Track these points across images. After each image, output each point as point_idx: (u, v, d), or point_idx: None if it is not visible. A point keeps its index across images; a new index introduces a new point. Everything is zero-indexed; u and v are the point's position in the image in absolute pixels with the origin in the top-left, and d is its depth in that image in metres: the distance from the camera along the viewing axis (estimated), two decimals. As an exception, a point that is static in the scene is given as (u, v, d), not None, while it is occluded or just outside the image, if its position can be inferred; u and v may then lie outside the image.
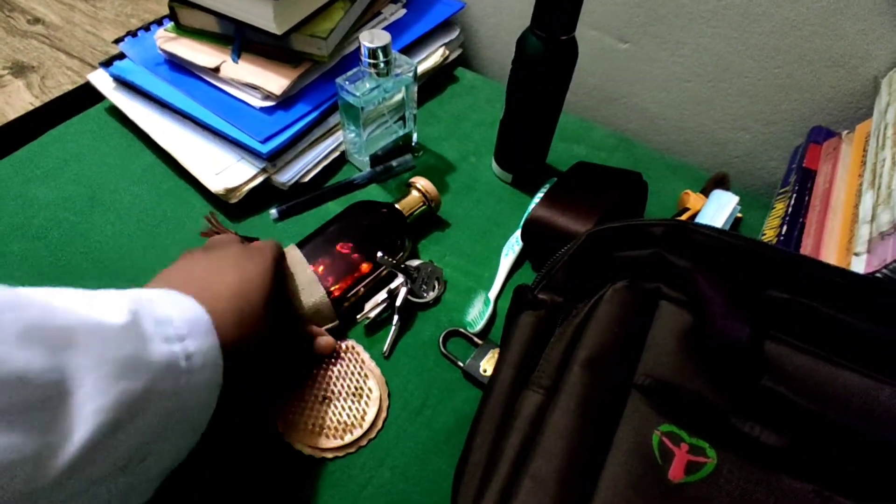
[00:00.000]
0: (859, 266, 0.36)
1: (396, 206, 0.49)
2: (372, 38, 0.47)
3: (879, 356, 0.27)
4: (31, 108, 0.62)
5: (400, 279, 0.46)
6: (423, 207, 0.50)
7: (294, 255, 0.44)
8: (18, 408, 0.20)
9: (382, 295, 0.46)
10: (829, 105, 0.55)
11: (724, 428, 0.27)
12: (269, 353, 0.35)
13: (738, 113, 0.59)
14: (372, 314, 0.45)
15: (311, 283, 0.43)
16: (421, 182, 0.50)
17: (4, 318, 0.21)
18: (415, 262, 0.49)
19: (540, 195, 0.54)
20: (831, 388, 0.27)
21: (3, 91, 0.64)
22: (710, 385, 0.28)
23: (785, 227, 0.46)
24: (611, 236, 0.35)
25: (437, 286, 0.48)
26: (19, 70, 0.66)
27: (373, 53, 0.47)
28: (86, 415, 0.21)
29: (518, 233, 0.51)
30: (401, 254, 0.48)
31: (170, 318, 0.27)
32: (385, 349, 0.44)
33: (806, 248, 0.43)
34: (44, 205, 0.53)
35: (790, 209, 0.48)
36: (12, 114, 0.61)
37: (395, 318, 0.45)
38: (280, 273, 0.39)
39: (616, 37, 0.60)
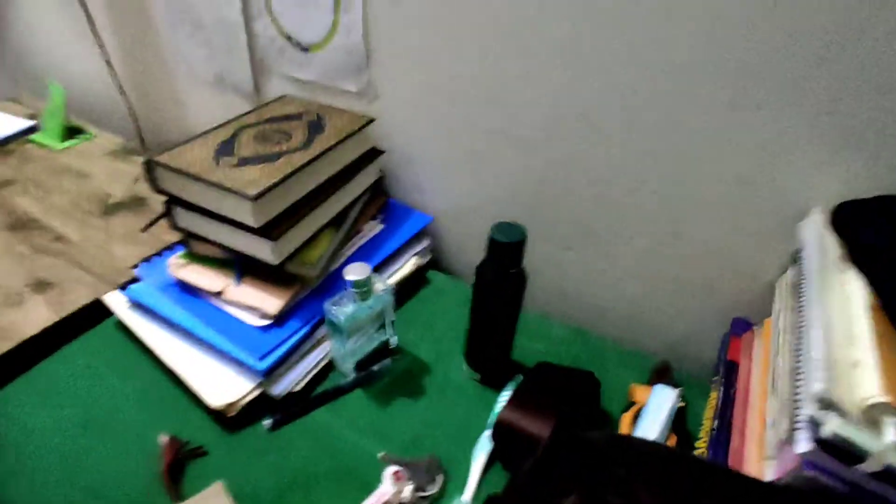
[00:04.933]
0: (770, 472, 0.42)
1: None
2: (354, 272, 0.57)
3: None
4: (48, 324, 0.69)
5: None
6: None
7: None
8: None
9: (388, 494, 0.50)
10: (742, 301, 0.65)
11: None
12: None
13: (671, 306, 0.70)
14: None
15: None
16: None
17: None
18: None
19: (505, 393, 0.61)
20: None
21: (23, 308, 0.71)
22: None
23: (717, 422, 0.53)
24: (562, 449, 0.42)
25: (438, 478, 0.53)
26: (39, 287, 0.74)
27: (356, 284, 0.57)
28: None
29: (488, 433, 0.57)
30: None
31: None
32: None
33: (734, 445, 0.50)
34: (40, 433, 0.57)
35: (719, 402, 0.55)
36: (30, 330, 0.68)
37: None
38: None
39: (562, 246, 0.72)
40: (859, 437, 0.34)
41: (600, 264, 0.71)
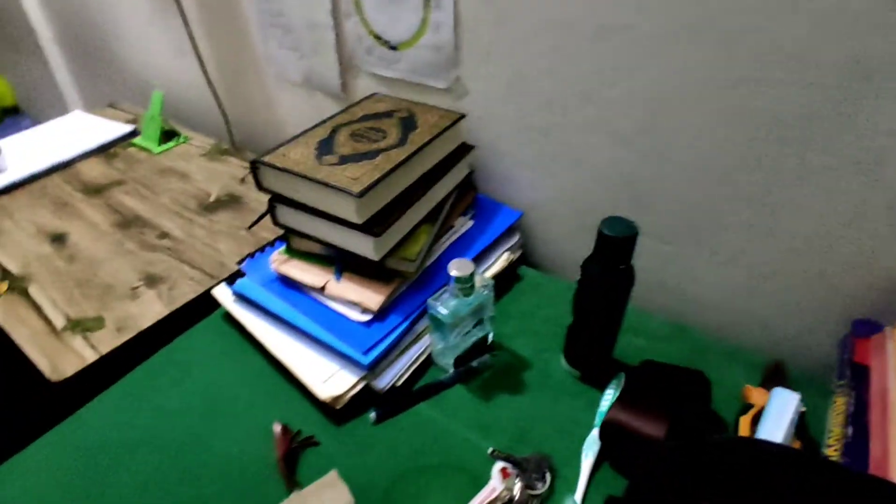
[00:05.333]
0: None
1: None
2: (458, 268, 0.57)
3: None
4: (160, 316, 0.73)
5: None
6: None
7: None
8: None
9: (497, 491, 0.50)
10: (863, 299, 0.60)
11: None
12: None
13: (779, 302, 0.65)
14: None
15: None
16: None
17: None
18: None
19: (609, 392, 0.59)
20: None
21: (138, 301, 0.76)
22: None
23: (850, 429, 0.50)
24: (686, 453, 0.40)
25: (547, 475, 0.52)
26: (151, 281, 0.79)
27: (459, 280, 0.57)
28: None
29: (595, 432, 0.56)
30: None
31: None
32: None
33: (875, 454, 0.46)
34: (168, 414, 0.61)
35: (851, 408, 0.52)
36: (145, 322, 0.72)
37: None
38: None
39: (659, 240, 0.69)
40: None
41: (702, 257, 0.67)
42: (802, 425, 0.56)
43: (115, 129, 1.23)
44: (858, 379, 0.54)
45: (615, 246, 0.52)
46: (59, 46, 1.66)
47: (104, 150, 1.17)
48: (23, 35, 1.67)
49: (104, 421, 0.61)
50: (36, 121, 1.92)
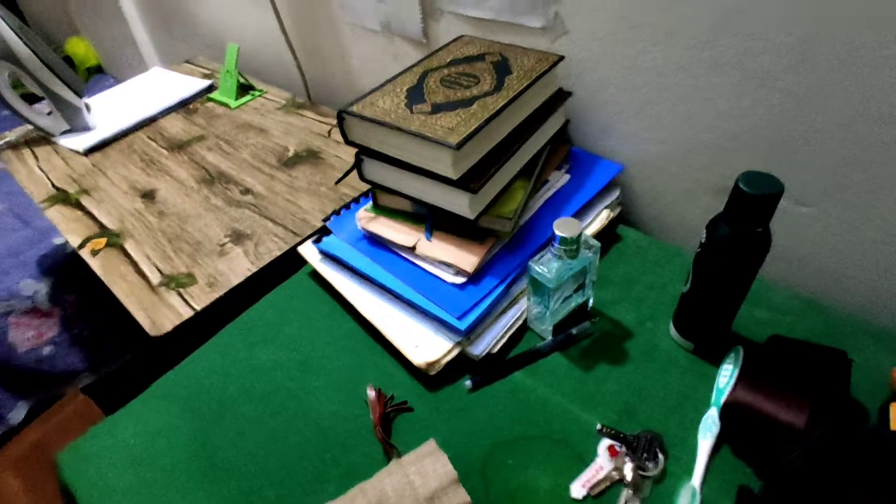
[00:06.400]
0: None
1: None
2: (565, 228, 0.52)
3: None
4: (248, 273, 0.73)
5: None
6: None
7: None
8: None
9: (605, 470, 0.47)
10: None
11: None
12: None
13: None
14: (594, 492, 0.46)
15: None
16: None
17: None
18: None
19: (726, 367, 0.53)
20: None
21: (227, 258, 0.76)
22: None
23: None
24: (840, 445, 0.34)
25: (659, 456, 0.48)
26: (237, 238, 0.79)
27: (564, 241, 0.52)
28: None
29: (713, 411, 0.51)
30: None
31: None
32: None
33: None
34: (264, 369, 0.61)
35: None
36: (235, 279, 0.73)
37: (625, 491, 0.46)
38: None
39: (795, 201, 0.60)
40: None
41: (846, 223, 0.58)
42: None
43: (194, 84, 1.24)
44: None
45: (754, 205, 0.45)
46: (136, 7, 1.68)
47: (184, 106, 1.18)
48: (103, -4, 1.71)
49: (203, 375, 0.61)
50: (118, 79, 1.99)
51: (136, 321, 0.68)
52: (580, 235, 0.52)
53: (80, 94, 1.06)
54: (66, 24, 2.20)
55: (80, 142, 1.05)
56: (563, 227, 0.52)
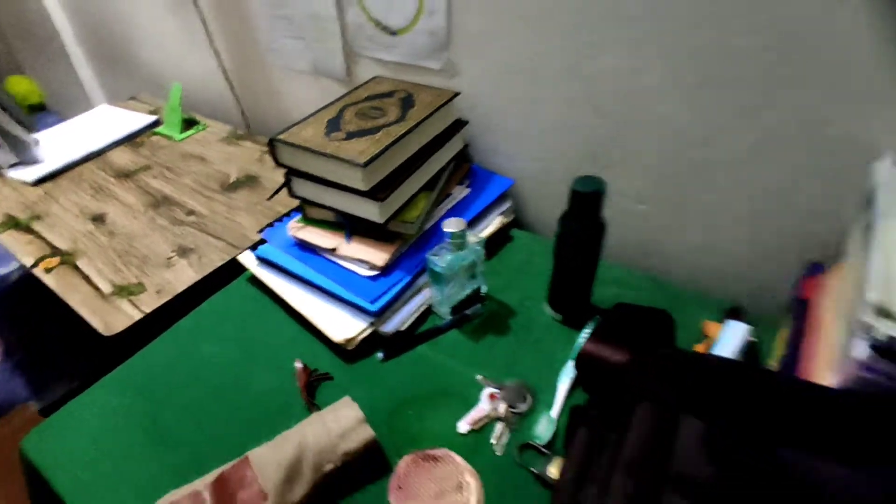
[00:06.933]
0: (832, 380, 0.47)
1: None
2: (452, 225, 0.66)
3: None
4: (193, 281, 0.83)
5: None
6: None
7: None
8: None
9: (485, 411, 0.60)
10: (817, 246, 0.67)
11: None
12: None
13: (746, 253, 0.73)
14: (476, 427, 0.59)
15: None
16: None
17: None
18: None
19: (586, 331, 0.68)
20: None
21: (174, 269, 0.86)
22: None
23: (788, 350, 0.58)
24: (639, 366, 0.49)
25: (527, 397, 0.61)
26: (183, 252, 0.89)
27: (453, 235, 0.66)
28: None
29: (571, 363, 0.65)
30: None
31: None
32: (497, 450, 0.57)
33: (802, 368, 0.55)
34: (208, 358, 0.71)
35: (790, 335, 0.60)
36: (181, 286, 0.82)
37: (499, 424, 0.59)
38: None
39: (634, 200, 0.77)
40: (913, 339, 0.39)
41: (672, 216, 0.75)
42: (754, 355, 0.64)
43: (140, 119, 1.33)
44: (800, 311, 0.62)
45: (586, 200, 0.60)
46: (81, 47, 1.76)
47: (131, 139, 1.27)
48: (48, 38, 1.78)
49: (153, 366, 0.71)
50: (62, 117, 2.03)
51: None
52: (465, 231, 0.66)
53: (29, 130, 1.14)
54: (6, 61, 2.24)
55: (30, 173, 1.13)
56: (451, 225, 0.66)
